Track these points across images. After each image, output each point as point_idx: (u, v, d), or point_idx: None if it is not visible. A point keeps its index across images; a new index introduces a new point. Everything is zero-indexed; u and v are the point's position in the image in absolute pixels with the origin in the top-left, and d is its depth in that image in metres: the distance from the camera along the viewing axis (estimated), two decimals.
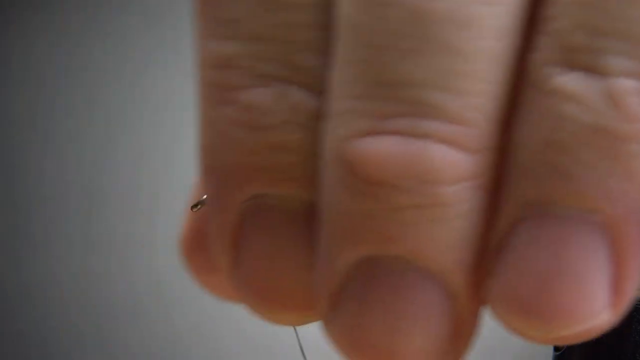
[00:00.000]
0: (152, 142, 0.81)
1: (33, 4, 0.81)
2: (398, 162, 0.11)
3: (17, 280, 0.79)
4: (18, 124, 0.81)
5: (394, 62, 0.11)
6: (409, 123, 0.11)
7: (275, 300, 0.13)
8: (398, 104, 0.11)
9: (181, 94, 0.81)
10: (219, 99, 0.12)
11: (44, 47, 0.81)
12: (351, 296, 0.12)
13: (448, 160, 0.11)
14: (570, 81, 0.11)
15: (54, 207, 0.79)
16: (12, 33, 0.82)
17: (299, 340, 0.18)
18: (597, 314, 0.12)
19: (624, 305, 0.12)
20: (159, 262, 0.76)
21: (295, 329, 0.16)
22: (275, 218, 0.13)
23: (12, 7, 0.81)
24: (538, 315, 0.12)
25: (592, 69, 0.11)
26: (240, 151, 0.12)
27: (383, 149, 0.11)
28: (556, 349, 0.18)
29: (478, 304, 0.12)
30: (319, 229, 0.12)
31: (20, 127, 0.81)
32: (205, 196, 0.18)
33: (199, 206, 0.17)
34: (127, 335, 0.77)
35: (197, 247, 0.13)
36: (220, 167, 0.12)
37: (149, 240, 0.78)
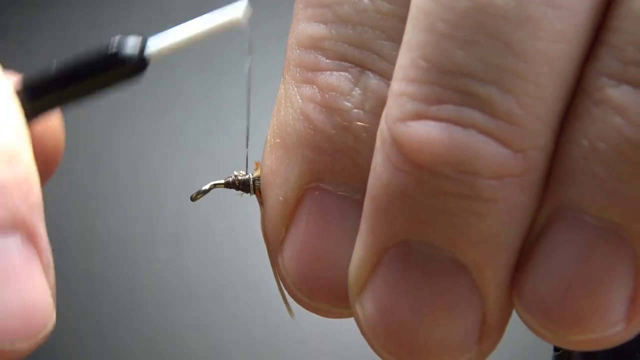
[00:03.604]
0: (152, 142, 0.81)
1: (33, 4, 0.81)
2: (441, 148, 0.11)
3: None
4: None
5: (451, 51, 0.11)
6: (457, 112, 0.11)
7: (315, 284, 0.13)
8: (449, 92, 0.11)
9: (182, 94, 0.80)
10: (300, 78, 0.13)
11: (43, 47, 0.81)
12: (382, 278, 0.12)
13: (490, 153, 0.11)
14: (620, 94, 0.11)
15: (54, 207, 0.79)
16: (12, 33, 0.82)
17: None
18: (613, 325, 0.12)
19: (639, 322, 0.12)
20: (159, 262, 0.76)
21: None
22: (331, 204, 0.13)
23: (12, 7, 0.81)
24: (555, 319, 0.12)
25: None
26: (310, 128, 0.13)
27: (429, 133, 0.11)
28: (556, 349, 0.18)
29: (509, 305, 0.12)
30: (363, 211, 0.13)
31: None
32: (205, 187, 0.18)
33: (199, 196, 0.18)
34: (127, 335, 0.77)
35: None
36: (288, 142, 0.13)
37: (149, 240, 0.78)
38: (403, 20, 0.12)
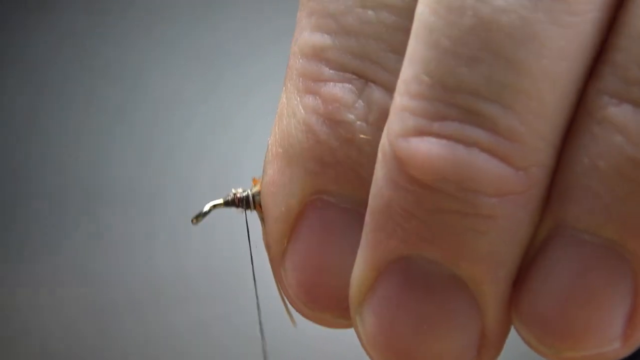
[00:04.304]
0: (152, 141, 0.81)
1: (34, 4, 0.81)
2: (443, 166, 0.11)
3: (16, 280, 0.79)
4: (18, 124, 0.81)
5: (454, 67, 0.11)
6: (459, 129, 0.11)
7: (317, 296, 0.13)
8: (451, 109, 0.11)
9: (182, 94, 0.80)
10: (303, 88, 0.13)
11: (43, 47, 0.81)
12: (382, 292, 0.12)
13: (492, 172, 0.11)
14: (621, 113, 0.11)
15: (54, 207, 0.79)
16: (12, 33, 0.82)
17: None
18: (610, 342, 0.12)
19: (636, 339, 0.12)
20: (159, 262, 0.76)
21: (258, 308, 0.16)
22: (334, 217, 0.13)
23: (12, 7, 0.81)
24: (552, 333, 0.12)
25: None
26: (313, 140, 0.13)
27: (430, 150, 0.11)
28: None
29: (508, 320, 0.12)
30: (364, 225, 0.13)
31: (20, 127, 0.81)
32: (205, 208, 0.18)
33: (200, 218, 0.17)
34: (127, 335, 0.77)
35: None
36: (291, 152, 0.13)
37: (149, 240, 0.78)
38: (408, 32, 0.12)
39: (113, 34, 0.79)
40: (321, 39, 0.13)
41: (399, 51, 0.12)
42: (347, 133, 0.12)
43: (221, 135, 0.77)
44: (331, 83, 0.13)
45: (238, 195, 0.18)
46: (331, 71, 0.13)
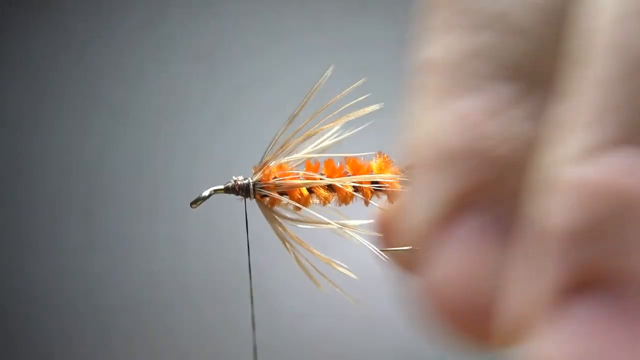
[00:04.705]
0: (152, 142, 0.81)
1: (34, 5, 0.81)
2: (628, 192, 0.11)
3: (17, 280, 0.79)
4: (18, 124, 0.81)
5: (628, 96, 0.11)
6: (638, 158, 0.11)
7: (457, 310, 0.13)
8: (629, 137, 0.11)
9: (181, 95, 0.81)
10: (452, 95, 0.13)
11: (44, 47, 0.81)
12: (566, 320, 0.12)
13: None
14: None
15: (54, 207, 0.79)
16: (12, 33, 0.82)
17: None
18: None
19: None
20: (159, 262, 0.76)
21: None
22: (477, 227, 0.13)
23: (12, 8, 0.81)
24: None
25: None
26: (462, 148, 0.12)
27: (615, 173, 0.11)
28: None
29: None
30: (525, 247, 0.12)
31: (20, 127, 0.81)
32: (205, 193, 0.18)
33: (199, 202, 0.17)
34: (127, 335, 0.77)
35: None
36: (438, 160, 0.13)
37: (149, 240, 0.78)
38: (555, 57, 0.12)
39: (113, 35, 0.80)
40: (472, 47, 0.12)
41: (544, 77, 0.12)
42: (496, 144, 0.12)
43: (221, 135, 0.77)
44: (473, 97, 0.12)
45: (239, 183, 0.18)
46: (481, 82, 0.12)
